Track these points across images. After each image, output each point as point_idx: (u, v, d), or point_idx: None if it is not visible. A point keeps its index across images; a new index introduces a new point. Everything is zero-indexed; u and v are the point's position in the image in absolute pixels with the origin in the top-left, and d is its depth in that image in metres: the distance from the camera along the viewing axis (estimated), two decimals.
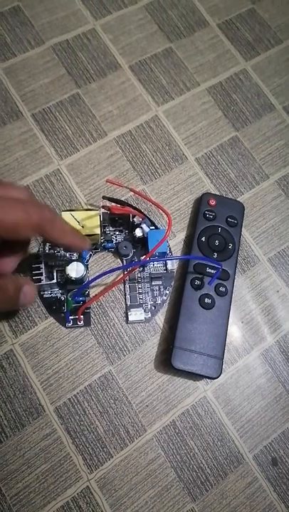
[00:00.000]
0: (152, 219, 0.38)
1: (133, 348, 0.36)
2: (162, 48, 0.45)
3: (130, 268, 0.36)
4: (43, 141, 0.41)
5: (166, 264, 0.38)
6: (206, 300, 0.35)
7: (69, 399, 0.34)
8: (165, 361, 0.35)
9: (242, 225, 0.38)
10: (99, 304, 0.37)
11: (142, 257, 0.37)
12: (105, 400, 0.34)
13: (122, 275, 0.37)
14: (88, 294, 0.37)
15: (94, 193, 0.40)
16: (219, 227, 0.38)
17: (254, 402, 0.35)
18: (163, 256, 0.37)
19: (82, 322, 0.36)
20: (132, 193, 0.39)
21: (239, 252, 0.38)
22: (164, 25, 0.46)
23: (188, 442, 0.34)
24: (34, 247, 0.37)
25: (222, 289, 0.36)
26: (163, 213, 0.39)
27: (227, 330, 0.35)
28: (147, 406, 0.35)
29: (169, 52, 0.45)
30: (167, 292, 0.37)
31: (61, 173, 0.40)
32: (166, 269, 0.37)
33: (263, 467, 0.34)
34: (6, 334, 0.35)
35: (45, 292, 0.36)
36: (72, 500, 0.32)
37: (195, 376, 0.35)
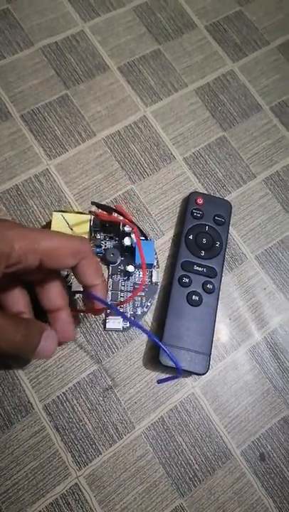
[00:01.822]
0: (143, 229, 0.39)
1: (121, 346, 0.36)
2: (150, 50, 0.46)
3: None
4: (32, 141, 0.41)
5: (151, 276, 0.38)
6: (194, 297, 0.36)
7: (58, 396, 0.34)
8: (153, 358, 0.36)
9: (229, 224, 0.39)
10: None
11: (129, 268, 0.36)
12: (94, 398, 0.35)
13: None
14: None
15: (82, 192, 0.40)
16: (207, 225, 0.38)
17: (242, 398, 0.36)
18: (150, 267, 0.38)
19: None
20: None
21: (227, 250, 0.39)
22: (153, 27, 0.47)
23: (176, 438, 0.34)
24: None
25: (209, 286, 0.36)
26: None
27: (214, 327, 0.35)
28: (136, 403, 0.35)
29: (157, 54, 0.46)
30: (148, 304, 0.37)
31: (50, 173, 0.40)
32: (151, 282, 0.38)
33: (251, 462, 0.34)
34: None
35: None
36: (61, 497, 0.33)
37: (183, 372, 0.35)
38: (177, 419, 0.35)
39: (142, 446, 0.34)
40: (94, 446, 0.34)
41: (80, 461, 0.33)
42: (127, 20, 0.46)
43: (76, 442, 0.34)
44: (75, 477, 0.33)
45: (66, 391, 0.35)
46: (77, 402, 0.34)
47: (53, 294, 0.32)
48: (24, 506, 0.32)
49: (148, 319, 0.37)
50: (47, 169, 0.40)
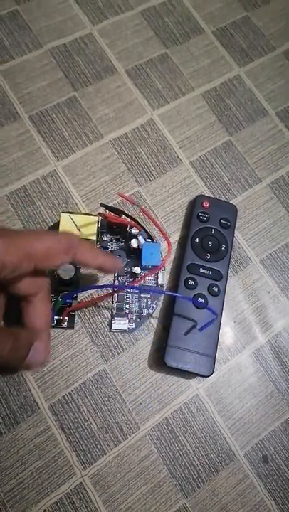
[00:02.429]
0: (149, 231, 0.39)
1: (127, 347, 0.36)
2: (158, 54, 0.46)
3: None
4: (40, 142, 0.41)
5: (157, 278, 0.38)
6: (199, 300, 0.36)
7: (63, 396, 0.35)
8: (158, 359, 0.36)
9: (235, 227, 0.39)
10: (94, 302, 0.37)
11: (135, 270, 0.37)
12: (99, 398, 0.35)
13: (111, 290, 0.37)
14: (76, 298, 0.37)
15: (90, 194, 0.40)
16: (212, 228, 0.39)
17: (245, 400, 0.36)
18: (156, 269, 0.38)
19: (65, 324, 0.36)
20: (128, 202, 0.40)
21: (232, 253, 0.39)
22: (160, 31, 0.47)
23: (180, 439, 0.35)
24: None
25: (215, 288, 0.36)
26: (163, 237, 0.39)
27: (219, 329, 0.36)
28: (141, 404, 0.35)
29: (164, 58, 0.46)
30: (154, 306, 0.37)
31: (57, 174, 0.40)
32: (157, 284, 0.38)
33: (254, 464, 0.35)
34: None
35: None
36: (65, 497, 0.33)
37: (188, 374, 0.36)
38: (181, 421, 0.35)
39: (147, 447, 0.34)
40: (99, 446, 0.34)
41: (85, 461, 0.34)
42: (135, 24, 0.47)
43: (81, 442, 0.34)
44: (80, 477, 0.33)
45: (72, 391, 0.35)
46: (83, 402, 0.35)
47: (38, 313, 0.31)
48: (29, 505, 0.32)
49: (153, 321, 0.37)
50: (54, 170, 0.41)
